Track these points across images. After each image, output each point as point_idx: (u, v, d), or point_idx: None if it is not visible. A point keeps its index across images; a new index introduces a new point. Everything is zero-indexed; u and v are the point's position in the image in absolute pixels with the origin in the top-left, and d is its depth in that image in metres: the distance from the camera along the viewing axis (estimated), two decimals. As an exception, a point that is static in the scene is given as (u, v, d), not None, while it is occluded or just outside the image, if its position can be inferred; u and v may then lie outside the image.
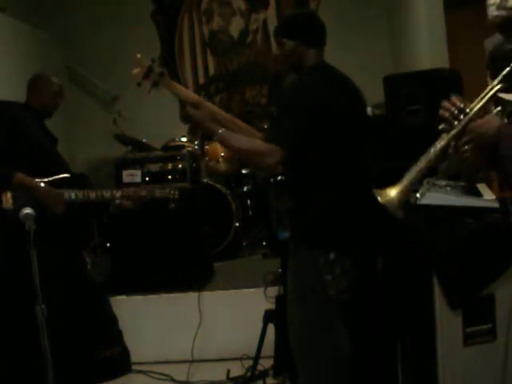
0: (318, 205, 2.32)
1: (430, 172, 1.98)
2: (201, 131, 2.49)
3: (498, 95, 1.86)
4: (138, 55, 2.50)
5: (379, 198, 1.94)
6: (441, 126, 1.90)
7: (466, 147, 1.83)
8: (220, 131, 2.37)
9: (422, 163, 1.94)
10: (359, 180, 2.39)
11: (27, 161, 3.08)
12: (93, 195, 3.10)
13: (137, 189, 3.22)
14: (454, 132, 1.87)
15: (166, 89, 2.54)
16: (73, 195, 3.08)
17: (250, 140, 2.44)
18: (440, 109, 1.89)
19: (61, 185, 3.13)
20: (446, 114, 1.88)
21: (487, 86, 1.89)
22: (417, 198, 1.98)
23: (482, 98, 1.87)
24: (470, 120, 1.84)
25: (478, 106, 1.86)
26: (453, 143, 1.87)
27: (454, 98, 1.89)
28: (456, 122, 1.86)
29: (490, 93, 1.86)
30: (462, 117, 1.86)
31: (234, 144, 2.39)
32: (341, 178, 2.34)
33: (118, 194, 3.13)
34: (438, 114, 1.90)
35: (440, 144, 1.90)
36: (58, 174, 3.17)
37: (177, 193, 3.16)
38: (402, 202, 1.95)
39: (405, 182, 1.95)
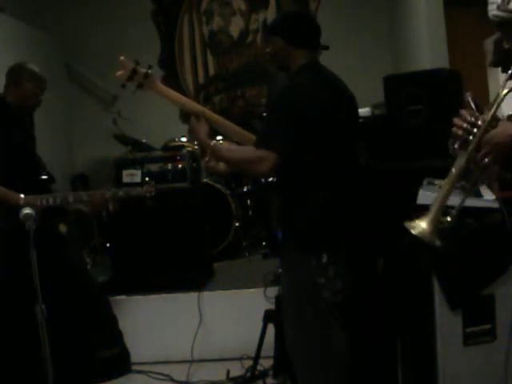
0: (309, 206, 2.29)
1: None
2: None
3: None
4: (122, 57, 2.49)
5: (412, 231, 1.86)
6: (451, 149, 1.88)
7: (486, 160, 1.82)
8: (212, 144, 2.36)
9: (446, 186, 1.88)
10: (351, 180, 2.37)
11: (5, 166, 2.99)
12: (51, 200, 2.96)
13: (98, 192, 3.10)
14: (471, 147, 1.84)
15: (151, 90, 2.53)
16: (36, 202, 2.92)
17: (241, 149, 2.42)
18: (453, 126, 1.87)
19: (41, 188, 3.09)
20: (460, 132, 1.85)
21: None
22: (448, 221, 1.91)
23: (491, 107, 1.84)
24: (485, 132, 1.82)
25: (489, 116, 1.84)
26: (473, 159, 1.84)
27: (464, 113, 1.87)
28: (471, 137, 1.84)
29: (498, 100, 1.84)
30: (475, 130, 1.84)
31: (226, 156, 2.36)
32: (332, 179, 2.31)
33: (70, 198, 3.03)
34: (452, 133, 1.87)
35: (460, 162, 1.86)
36: (35, 177, 3.13)
37: (153, 190, 3.07)
38: (436, 230, 1.87)
39: (433, 210, 1.87)
